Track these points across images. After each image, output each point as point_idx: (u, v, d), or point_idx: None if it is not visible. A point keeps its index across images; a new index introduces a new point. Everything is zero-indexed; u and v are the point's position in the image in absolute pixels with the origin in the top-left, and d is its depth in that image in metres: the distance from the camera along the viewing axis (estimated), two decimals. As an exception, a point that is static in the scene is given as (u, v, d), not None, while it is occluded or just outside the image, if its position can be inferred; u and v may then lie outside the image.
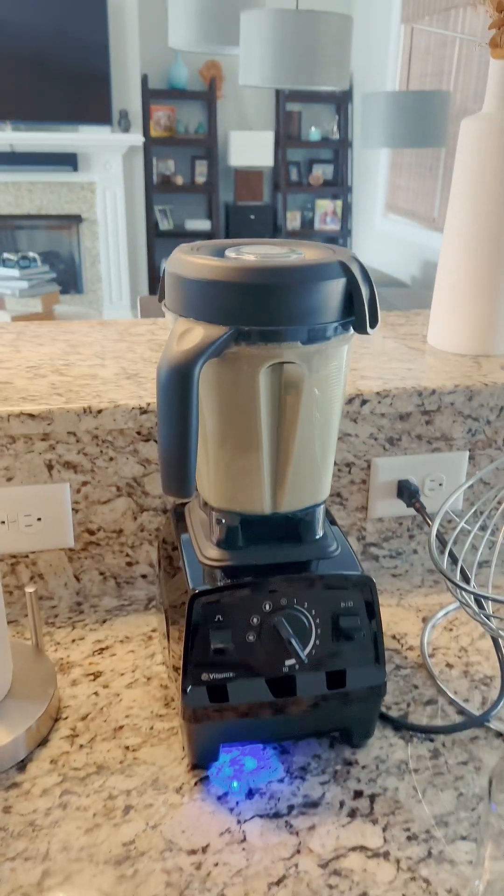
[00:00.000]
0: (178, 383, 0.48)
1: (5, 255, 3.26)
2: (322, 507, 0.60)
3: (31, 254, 3.28)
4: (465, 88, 3.80)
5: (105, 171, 4.67)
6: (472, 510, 0.74)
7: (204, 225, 5.07)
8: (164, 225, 5.03)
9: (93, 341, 0.92)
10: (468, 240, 0.86)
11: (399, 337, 0.97)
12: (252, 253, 0.53)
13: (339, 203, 5.29)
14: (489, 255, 0.85)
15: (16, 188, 4.61)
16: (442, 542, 0.73)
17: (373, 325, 0.53)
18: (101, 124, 4.50)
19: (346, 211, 5.30)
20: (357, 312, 0.52)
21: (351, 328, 0.53)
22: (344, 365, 0.56)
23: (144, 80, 4.65)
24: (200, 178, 5.01)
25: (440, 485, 0.84)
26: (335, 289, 0.51)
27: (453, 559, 0.73)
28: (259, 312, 0.50)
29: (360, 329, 0.52)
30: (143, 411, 0.73)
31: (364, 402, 0.77)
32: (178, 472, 0.51)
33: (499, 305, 0.87)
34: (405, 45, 4.36)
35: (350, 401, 0.77)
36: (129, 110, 4.62)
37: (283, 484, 0.57)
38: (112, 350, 0.89)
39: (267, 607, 0.57)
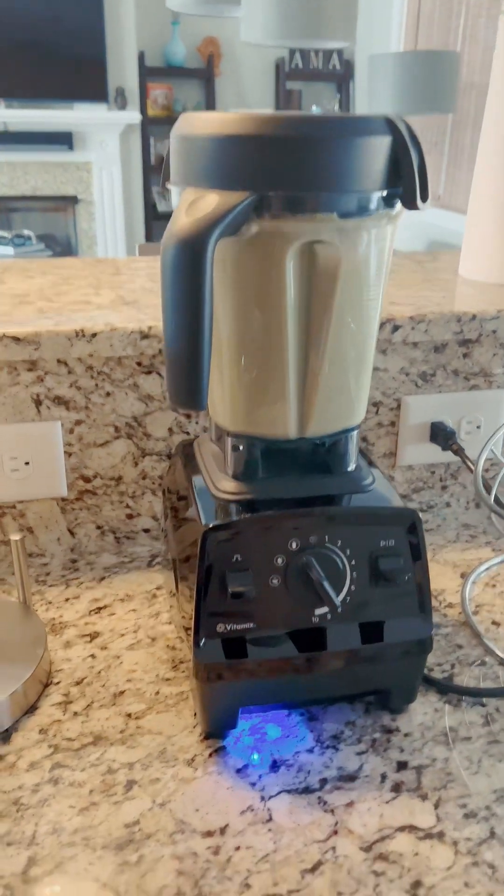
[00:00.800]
0: (189, 261, 0.39)
1: (0, 233, 3.16)
2: (356, 433, 0.51)
3: (25, 231, 3.19)
4: (471, 59, 3.69)
5: (101, 151, 4.56)
6: (517, 451, 0.65)
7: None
8: (162, 206, 4.92)
9: (88, 274, 0.83)
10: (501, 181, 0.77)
11: (427, 271, 0.88)
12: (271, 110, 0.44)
13: (340, 184, 5.18)
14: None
15: (10, 168, 4.50)
16: (487, 486, 0.64)
17: (423, 198, 0.43)
18: (97, 102, 4.39)
19: (348, 192, 5.19)
20: (406, 181, 0.43)
21: (397, 203, 0.44)
22: (387, 252, 0.46)
23: (141, 57, 4.53)
24: (199, 159, 4.90)
25: (478, 427, 0.75)
26: (379, 148, 0.41)
27: (499, 505, 0.64)
28: (286, 173, 0.40)
29: (410, 202, 0.43)
30: (144, 335, 0.64)
31: (396, 328, 0.68)
32: (189, 376, 0.42)
33: (542, 226, 0.77)
34: (410, 10, 4.25)
35: (381, 326, 0.68)
36: (126, 88, 4.51)
37: (313, 399, 0.48)
38: (109, 281, 0.80)
39: (294, 545, 0.48)
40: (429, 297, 0.74)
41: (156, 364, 0.66)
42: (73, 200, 4.69)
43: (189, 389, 0.42)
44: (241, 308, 0.45)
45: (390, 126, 0.42)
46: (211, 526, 0.47)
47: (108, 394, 0.66)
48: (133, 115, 4.50)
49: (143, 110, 4.62)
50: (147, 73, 4.60)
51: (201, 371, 0.42)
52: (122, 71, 4.52)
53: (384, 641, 0.50)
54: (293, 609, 0.48)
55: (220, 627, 0.48)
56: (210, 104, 4.75)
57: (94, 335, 0.62)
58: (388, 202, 0.43)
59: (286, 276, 0.43)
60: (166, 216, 4.90)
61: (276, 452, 0.51)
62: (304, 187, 0.41)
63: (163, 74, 4.66)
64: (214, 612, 0.47)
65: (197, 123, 0.42)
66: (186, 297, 0.40)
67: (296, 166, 0.40)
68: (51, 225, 4.77)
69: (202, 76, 4.73)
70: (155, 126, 4.75)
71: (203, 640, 0.47)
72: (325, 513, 0.48)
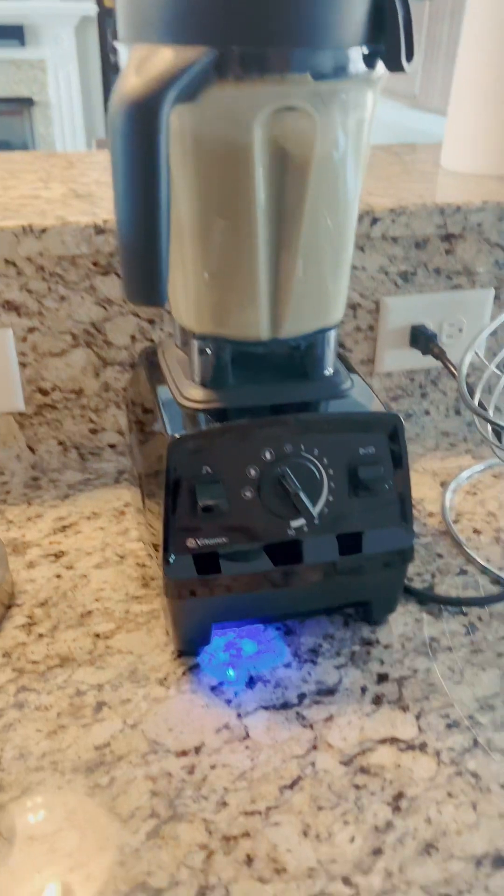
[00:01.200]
0: (140, 127, 0.34)
1: None
2: (333, 333, 0.47)
3: (-23, 135, 2.99)
4: None
5: (56, 47, 4.25)
6: (497, 358, 0.62)
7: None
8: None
9: (38, 168, 0.76)
10: (489, 45, 0.70)
11: (407, 164, 0.82)
12: (237, -45, 0.38)
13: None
14: (520, 45, 0.69)
15: (-42, 67, 4.19)
16: (469, 391, 0.60)
17: (409, 58, 0.38)
18: (49, -10, 4.06)
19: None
20: (389, 38, 0.37)
21: (378, 67, 0.38)
22: (367, 127, 0.41)
23: None
24: (161, 56, 4.60)
25: (460, 330, 0.71)
26: (358, -6, 0.36)
27: (482, 409, 0.61)
28: (250, 25, 0.35)
29: (394, 63, 0.37)
30: (100, 230, 0.58)
31: (375, 220, 0.63)
32: (145, 264, 0.37)
33: (531, 109, 0.72)
34: None
35: (358, 220, 0.63)
36: (80, -25, 4.17)
37: (286, 296, 0.43)
38: (60, 175, 0.73)
39: (267, 455, 0.45)
40: (409, 189, 0.68)
41: (113, 264, 0.60)
42: (29, 103, 4.41)
43: (146, 280, 0.38)
44: (203, 191, 0.40)
45: (372, -33, 0.36)
46: (177, 437, 0.43)
47: (62, 297, 0.61)
48: (88, 6, 4.18)
49: (99, 1, 4.29)
50: (102, -42, 4.24)
51: (159, 258, 0.37)
52: (75, -45, 4.17)
53: (363, 553, 0.47)
54: (268, 522, 0.45)
55: (191, 543, 0.45)
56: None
57: (43, 230, 0.57)
58: (368, 62, 0.38)
59: (253, 150, 0.38)
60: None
61: (247, 356, 0.47)
62: (273, 41, 0.35)
63: (119, -41, 4.30)
64: (184, 527, 0.44)
65: (145, -38, 0.35)
66: (139, 169, 0.35)
67: (262, 16, 0.34)
68: (5, 130, 4.49)
69: (162, -39, 4.37)
70: (113, 18, 4.42)
71: (173, 557, 0.44)
72: (301, 420, 0.45)
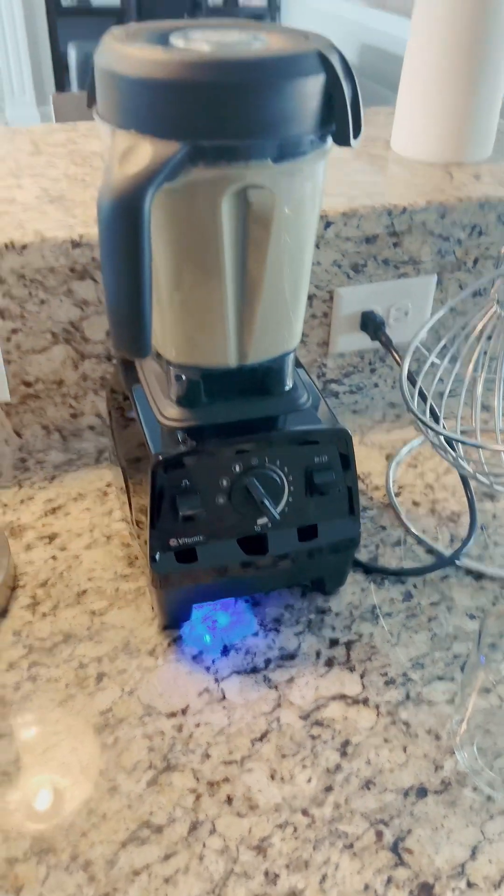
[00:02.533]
0: (126, 217, 0.39)
1: None
2: (292, 355, 0.54)
3: None
4: None
5: None
6: (441, 343, 0.69)
7: (113, 0, 4.40)
8: (67, 0, 4.34)
9: (4, 154, 0.78)
10: (441, 24, 0.73)
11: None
12: (204, 40, 0.42)
13: (266, -28, 4.63)
14: (466, 43, 0.73)
15: None
16: (412, 380, 0.68)
17: (356, 135, 0.43)
18: None
19: (275, -18, 4.67)
20: (338, 119, 0.42)
21: (329, 140, 0.44)
22: (320, 185, 0.47)
23: None
24: None
25: (406, 314, 0.78)
26: (313, 88, 0.41)
27: (422, 398, 0.69)
28: (220, 123, 0.40)
29: (342, 140, 0.43)
30: (76, 244, 0.62)
31: (329, 224, 0.68)
32: (132, 328, 0.43)
33: (475, 105, 0.76)
34: None
35: (312, 224, 0.68)
36: None
37: (251, 332, 0.50)
38: (28, 166, 0.75)
39: (237, 468, 0.52)
40: (360, 186, 0.73)
41: (89, 270, 0.65)
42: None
43: (133, 339, 0.44)
44: (178, 251, 0.46)
45: (323, 62, 0.41)
46: (161, 458, 0.50)
47: (42, 301, 0.66)
48: None
49: None
50: None
51: (144, 322, 0.43)
52: None
53: (318, 541, 0.56)
54: (237, 521, 0.54)
55: (173, 542, 0.53)
56: None
57: (24, 247, 0.61)
58: (321, 139, 0.43)
59: (220, 220, 0.44)
60: (71, 12, 4.34)
61: (217, 377, 0.53)
62: (240, 136, 0.40)
63: None
64: (167, 530, 0.52)
65: (127, 62, 0.39)
66: (125, 253, 0.41)
67: (231, 115, 0.39)
68: None
69: None
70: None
71: (158, 554, 0.53)
72: (265, 438, 0.52)
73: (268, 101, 0.40)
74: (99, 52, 0.42)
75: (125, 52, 0.40)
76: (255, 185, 0.43)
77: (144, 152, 0.39)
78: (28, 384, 0.70)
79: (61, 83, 4.41)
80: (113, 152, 0.40)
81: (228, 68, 0.39)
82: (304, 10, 4.54)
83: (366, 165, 0.78)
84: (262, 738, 0.50)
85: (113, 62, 0.40)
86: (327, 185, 0.73)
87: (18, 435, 0.73)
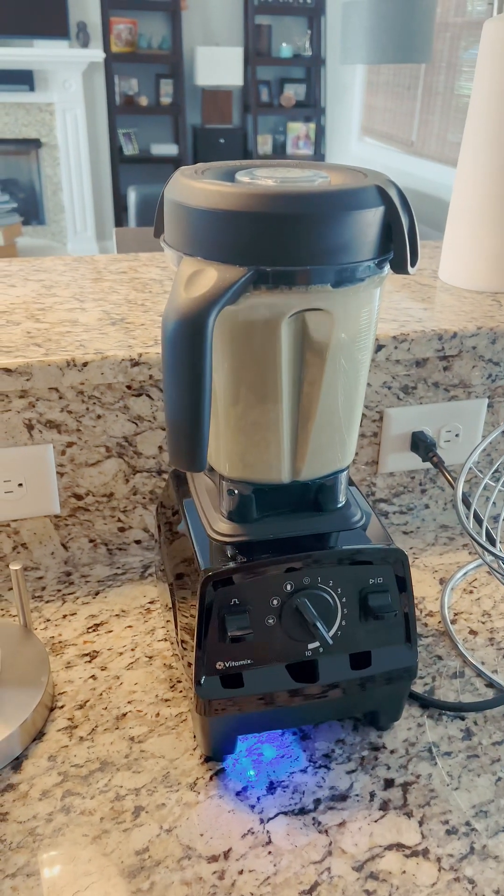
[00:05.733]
0: (190, 337, 0.40)
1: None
2: (345, 472, 0.54)
3: (-12, 182, 3.08)
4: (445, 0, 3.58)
5: (64, 91, 4.38)
6: (496, 465, 0.68)
7: (171, 149, 4.82)
8: (129, 149, 4.77)
9: (69, 281, 0.83)
10: (487, 163, 0.77)
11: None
12: (269, 177, 0.45)
13: (311, 126, 5.05)
14: (511, 179, 0.77)
15: (-32, 110, 4.31)
16: (466, 502, 0.67)
17: (413, 263, 0.45)
18: (58, 38, 4.19)
19: (320, 134, 5.07)
20: (396, 248, 0.44)
21: (387, 267, 0.45)
22: (375, 310, 0.48)
23: (103, -12, 4.31)
24: (166, 99, 4.73)
25: (457, 436, 0.78)
26: (372, 220, 0.42)
27: (477, 520, 0.67)
28: (283, 250, 0.41)
29: (400, 268, 0.44)
30: (135, 363, 0.64)
31: (380, 347, 0.70)
32: (190, 442, 0.43)
33: (521, 236, 0.79)
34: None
35: (363, 346, 0.70)
36: (88, 22, 4.31)
37: (304, 450, 0.50)
38: (92, 291, 0.80)
39: (288, 587, 0.51)
40: (410, 312, 0.75)
41: (145, 387, 0.67)
42: (37, 144, 4.53)
43: (190, 453, 0.44)
44: (237, 370, 0.46)
45: (382, 195, 0.43)
46: (210, 573, 0.49)
47: (98, 416, 0.67)
48: (96, 53, 4.31)
49: (106, 47, 4.43)
50: (109, 6, 4.39)
51: (201, 437, 0.43)
52: (84, 3, 4.31)
53: (372, 670, 0.53)
54: (287, 644, 0.51)
55: (220, 665, 0.50)
56: (176, 39, 4.57)
57: (84, 364, 0.63)
58: (378, 266, 0.44)
59: (280, 341, 0.45)
60: (132, 160, 4.76)
61: (269, 493, 0.53)
62: (301, 263, 0.42)
63: (126, 7, 4.45)
64: (214, 651, 0.50)
65: (195, 195, 0.42)
66: (187, 370, 0.41)
67: (293, 243, 0.41)
68: (13, 170, 4.61)
69: (168, 9, 4.53)
70: (119, 63, 4.56)
71: (204, 678, 0.50)
72: (318, 557, 0.51)
73: (327, 232, 0.41)
74: (169, 187, 0.45)
75: (195, 187, 0.42)
76: (313, 308, 0.44)
77: (210, 276, 0.41)
78: (79, 497, 0.71)
79: (120, 222, 4.76)
80: (179, 277, 0.42)
81: (291, 200, 0.41)
82: (347, 158, 4.89)
83: (415, 293, 0.81)
84: (312, 890, 0.46)
85: (182, 195, 0.43)
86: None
87: (65, 548, 0.73)
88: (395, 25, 2.43)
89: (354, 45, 2.52)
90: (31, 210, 4.69)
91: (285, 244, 0.41)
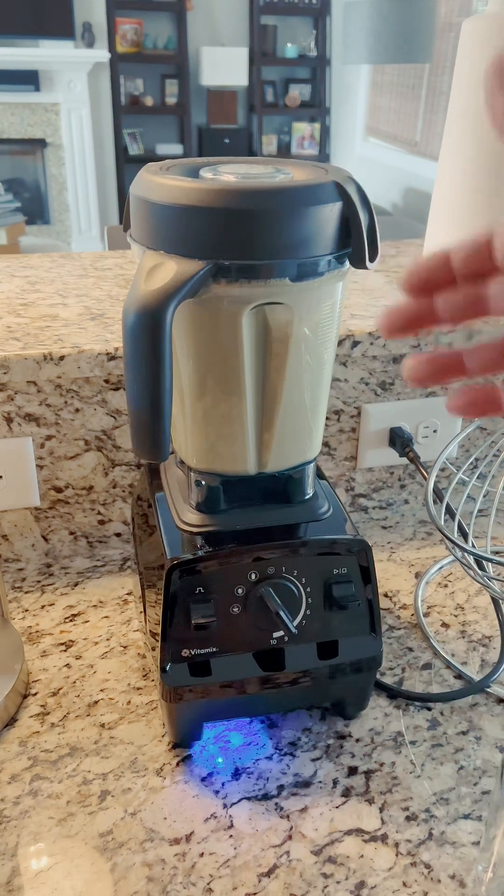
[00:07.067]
0: (149, 329, 0.41)
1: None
2: (312, 464, 0.54)
3: (-8, 181, 3.10)
4: (449, 0, 3.58)
5: (69, 91, 4.40)
6: (470, 459, 0.69)
7: (176, 149, 4.83)
8: (134, 150, 4.79)
9: (54, 277, 0.84)
10: (467, 162, 0.78)
11: (390, 270, 0.89)
12: (231, 172, 0.46)
13: (316, 126, 5.06)
14: (490, 179, 0.77)
15: (-26, 110, 4.34)
16: (439, 495, 0.67)
17: (372, 259, 0.45)
18: (63, 38, 4.21)
19: (325, 134, 5.08)
20: (355, 243, 0.45)
21: (347, 262, 0.46)
22: (338, 305, 0.49)
23: (108, -11, 4.33)
24: (171, 99, 4.74)
25: (434, 431, 0.78)
26: (330, 215, 0.43)
27: (450, 514, 0.68)
28: (241, 244, 0.42)
29: (359, 263, 0.45)
30: (111, 357, 0.66)
31: (355, 343, 0.71)
32: (151, 433, 0.44)
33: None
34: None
35: (340, 342, 0.71)
36: (93, 22, 4.33)
37: (270, 441, 0.51)
38: (75, 287, 0.81)
39: (253, 577, 0.51)
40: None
41: (123, 381, 0.68)
42: (42, 144, 4.55)
43: (151, 443, 0.45)
44: (200, 362, 0.47)
45: (340, 191, 0.43)
46: (175, 561, 0.50)
47: (77, 410, 0.68)
48: (101, 53, 4.33)
49: (111, 47, 4.44)
50: (115, 7, 4.41)
51: (162, 428, 0.44)
52: (89, 3, 4.33)
53: (338, 659, 0.54)
54: (253, 633, 0.52)
55: (185, 653, 0.51)
56: (182, 40, 4.58)
57: (61, 358, 0.64)
58: (338, 261, 0.45)
59: (241, 334, 0.46)
60: (138, 159, 4.78)
61: (236, 484, 0.54)
62: (260, 256, 0.42)
63: (131, 7, 4.46)
64: (179, 639, 0.51)
65: (156, 190, 0.43)
66: (147, 362, 0.42)
67: (251, 238, 0.42)
68: (19, 169, 4.64)
69: (173, 10, 4.54)
70: (125, 63, 4.58)
71: (169, 665, 0.51)
72: (283, 546, 0.52)
73: (284, 226, 0.42)
74: (135, 183, 0.46)
75: (156, 182, 0.43)
76: (274, 301, 0.45)
77: (169, 269, 0.42)
78: (58, 490, 0.72)
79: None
80: (140, 270, 0.43)
81: (248, 195, 0.41)
82: (352, 158, 4.90)
83: (395, 290, 0.82)
84: (270, 873, 0.47)
85: (146, 191, 0.44)
86: (357, 307, 0.76)
87: (46, 540, 0.74)
88: (396, 26, 2.44)
89: (356, 45, 2.53)
90: (36, 209, 4.71)
91: (243, 238, 0.42)
